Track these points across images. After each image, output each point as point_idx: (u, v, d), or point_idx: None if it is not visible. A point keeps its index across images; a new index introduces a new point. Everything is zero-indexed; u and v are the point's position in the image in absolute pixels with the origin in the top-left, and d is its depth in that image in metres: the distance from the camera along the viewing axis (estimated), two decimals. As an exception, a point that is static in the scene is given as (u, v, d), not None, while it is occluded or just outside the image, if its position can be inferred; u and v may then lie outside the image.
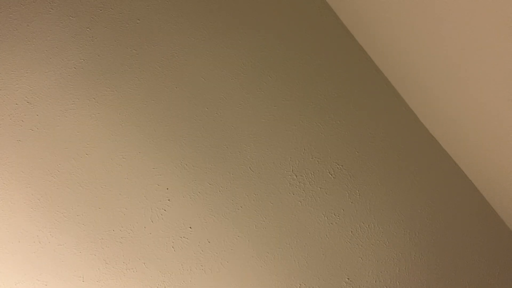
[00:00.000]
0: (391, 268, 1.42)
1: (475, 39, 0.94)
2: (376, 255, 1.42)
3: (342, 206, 1.42)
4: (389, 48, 1.34)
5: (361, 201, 1.43)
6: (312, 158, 1.42)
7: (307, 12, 1.44)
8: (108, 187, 1.35)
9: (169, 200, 1.37)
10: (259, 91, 1.41)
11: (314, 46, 1.43)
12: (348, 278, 1.40)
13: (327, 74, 1.43)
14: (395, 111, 1.45)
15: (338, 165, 1.43)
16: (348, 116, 1.43)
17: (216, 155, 1.39)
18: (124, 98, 1.36)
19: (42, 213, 1.32)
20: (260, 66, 1.42)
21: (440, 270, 1.43)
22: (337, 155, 1.43)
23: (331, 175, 1.42)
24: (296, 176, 1.41)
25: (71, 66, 1.35)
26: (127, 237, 1.35)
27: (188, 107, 1.39)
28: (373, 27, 1.33)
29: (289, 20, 1.43)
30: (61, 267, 1.32)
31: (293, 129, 1.42)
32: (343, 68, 1.44)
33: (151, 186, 1.36)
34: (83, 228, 1.33)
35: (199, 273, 1.37)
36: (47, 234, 1.32)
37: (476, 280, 1.43)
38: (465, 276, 1.43)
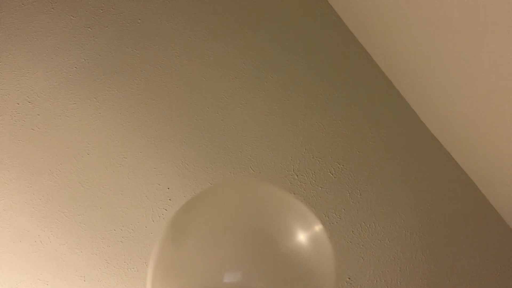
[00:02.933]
0: (392, 268, 1.42)
1: (478, 38, 0.94)
2: (377, 254, 1.42)
3: (343, 206, 1.42)
4: (391, 47, 1.34)
5: (362, 200, 1.42)
6: (313, 157, 1.42)
7: (308, 12, 1.44)
8: (109, 187, 1.35)
9: (170, 199, 1.37)
10: (260, 90, 1.41)
11: (315, 46, 1.43)
12: (349, 278, 1.40)
13: (328, 74, 1.43)
14: (396, 111, 1.45)
15: (339, 164, 1.42)
16: (349, 115, 1.43)
17: (217, 155, 1.39)
18: (125, 98, 1.36)
19: (43, 212, 1.32)
20: (260, 66, 1.42)
21: (441, 270, 1.43)
22: (338, 155, 1.43)
23: (332, 174, 1.42)
24: (297, 175, 1.41)
25: (72, 66, 1.35)
26: (128, 237, 1.35)
27: (188, 107, 1.39)
28: (375, 26, 1.33)
29: (290, 20, 1.43)
30: (62, 267, 1.32)
31: (293, 128, 1.42)
32: (344, 68, 1.44)
33: (152, 186, 1.36)
34: (84, 228, 1.34)
35: (200, 273, 1.36)
36: (48, 234, 1.32)
37: (477, 280, 1.43)
38: (466, 275, 1.43)
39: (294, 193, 1.40)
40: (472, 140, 1.29)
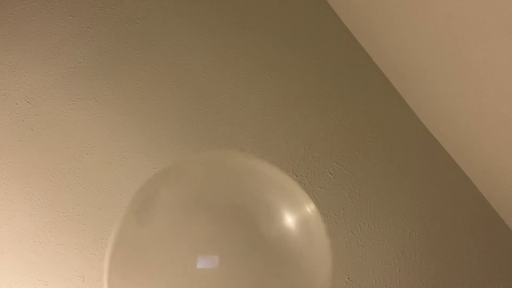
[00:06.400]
0: (391, 268, 1.42)
1: (479, 38, 0.94)
2: (376, 255, 1.42)
3: (342, 206, 1.42)
4: (389, 47, 1.34)
5: (361, 201, 1.43)
6: (312, 158, 1.42)
7: (308, 12, 1.44)
8: (108, 187, 1.35)
9: (169, 200, 1.37)
10: (259, 91, 1.41)
11: (314, 46, 1.43)
12: (348, 278, 1.40)
13: (327, 74, 1.43)
14: (395, 111, 1.45)
15: (338, 165, 1.43)
16: (348, 115, 1.43)
17: (216, 155, 1.39)
18: (124, 98, 1.36)
19: (43, 213, 1.32)
20: (260, 66, 1.42)
21: (440, 270, 1.43)
22: (337, 155, 1.43)
23: (331, 175, 1.42)
24: (296, 176, 1.41)
25: (71, 66, 1.35)
26: (127, 237, 1.35)
27: (188, 107, 1.39)
28: (374, 26, 1.33)
29: (289, 20, 1.43)
30: (61, 267, 1.32)
31: (293, 129, 1.42)
32: (344, 68, 1.44)
33: (151, 186, 1.36)
34: (83, 228, 1.33)
35: (199, 273, 1.36)
36: (47, 234, 1.32)
37: (476, 280, 1.43)
38: (466, 276, 1.43)
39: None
40: (472, 141, 1.29)
